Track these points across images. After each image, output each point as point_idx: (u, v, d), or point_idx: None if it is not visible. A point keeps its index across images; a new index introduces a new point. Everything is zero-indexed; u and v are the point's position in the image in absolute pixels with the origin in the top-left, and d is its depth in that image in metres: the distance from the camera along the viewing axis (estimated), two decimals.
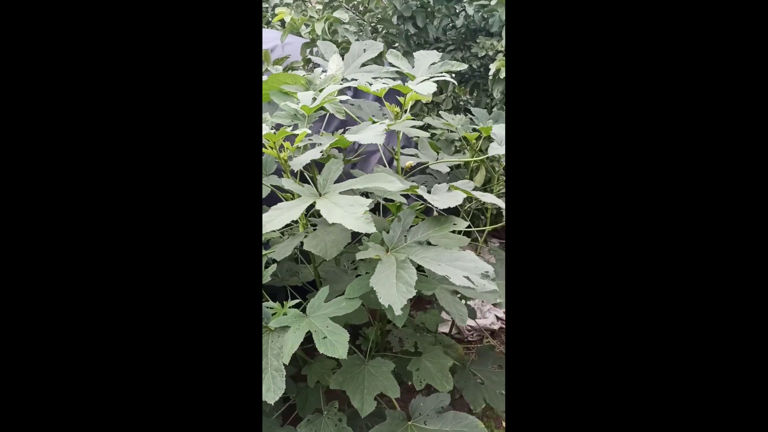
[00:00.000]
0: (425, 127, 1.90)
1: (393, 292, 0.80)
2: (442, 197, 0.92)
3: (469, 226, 1.28)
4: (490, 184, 1.70)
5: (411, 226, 0.97)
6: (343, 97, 1.11)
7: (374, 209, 1.23)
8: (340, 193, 0.88)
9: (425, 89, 1.09)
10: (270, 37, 1.70)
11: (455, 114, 1.77)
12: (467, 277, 0.83)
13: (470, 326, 2.36)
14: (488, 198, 0.98)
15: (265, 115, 1.13)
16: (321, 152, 0.92)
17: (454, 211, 1.72)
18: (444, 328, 2.24)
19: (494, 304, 1.11)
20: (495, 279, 0.85)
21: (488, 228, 1.56)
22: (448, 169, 1.41)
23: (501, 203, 0.98)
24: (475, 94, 2.11)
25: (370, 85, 1.15)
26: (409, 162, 1.35)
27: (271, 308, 1.00)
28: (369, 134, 0.89)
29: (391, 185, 0.88)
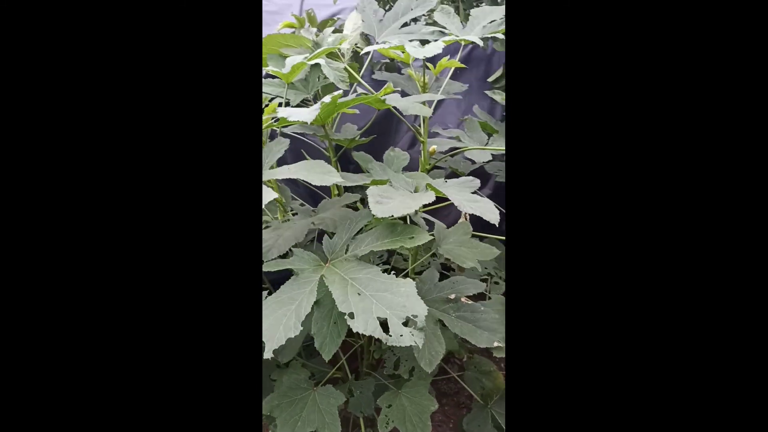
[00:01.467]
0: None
1: (279, 325, 0.60)
2: (395, 202, 0.67)
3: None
4: None
5: (359, 233, 0.74)
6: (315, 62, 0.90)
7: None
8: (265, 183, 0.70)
9: (424, 52, 0.82)
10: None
11: None
12: (382, 320, 0.58)
13: None
14: (474, 208, 0.69)
15: None
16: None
17: None
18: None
19: (489, 349, 0.82)
20: (424, 328, 0.58)
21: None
22: (490, 158, 1.10)
23: (492, 216, 0.69)
24: None
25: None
26: (433, 147, 1.08)
27: None
28: (301, 113, 0.68)
29: (323, 178, 0.67)
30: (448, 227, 1.03)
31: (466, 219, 1.23)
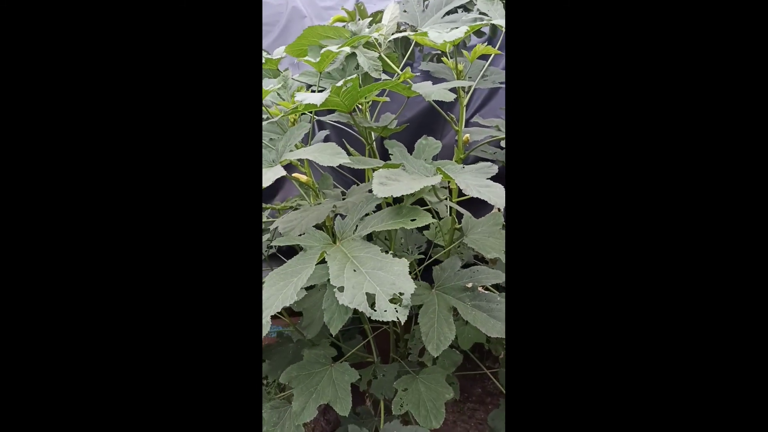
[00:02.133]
0: None
1: (278, 294, 0.64)
2: (399, 184, 0.68)
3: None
4: None
5: (368, 214, 0.76)
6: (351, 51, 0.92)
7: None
8: (280, 163, 0.75)
9: (444, 37, 0.81)
10: None
11: None
12: (369, 295, 0.60)
13: None
14: (481, 192, 0.68)
15: (286, 72, 1.04)
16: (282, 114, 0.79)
17: None
18: None
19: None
20: (409, 306, 0.59)
21: None
22: None
23: (498, 201, 0.67)
24: None
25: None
26: (467, 136, 1.07)
27: None
28: (312, 97, 0.72)
29: (331, 159, 0.69)
30: None
31: (500, 210, 1.20)
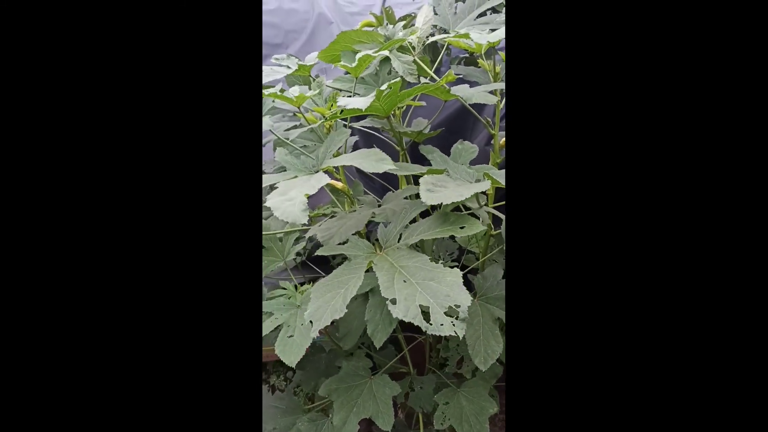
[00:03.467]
0: None
1: (327, 307, 0.62)
2: (447, 190, 0.65)
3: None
4: None
5: (412, 222, 0.73)
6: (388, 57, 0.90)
7: None
8: (321, 170, 0.73)
9: (488, 38, 0.79)
10: None
11: None
12: (422, 308, 0.57)
13: None
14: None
15: (321, 78, 1.02)
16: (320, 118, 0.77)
17: None
18: None
19: None
20: (466, 319, 0.56)
21: None
22: None
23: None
24: None
25: None
26: (503, 140, 1.03)
27: (284, 288, 0.93)
28: (357, 102, 0.69)
29: (376, 165, 0.67)
30: None
31: None
